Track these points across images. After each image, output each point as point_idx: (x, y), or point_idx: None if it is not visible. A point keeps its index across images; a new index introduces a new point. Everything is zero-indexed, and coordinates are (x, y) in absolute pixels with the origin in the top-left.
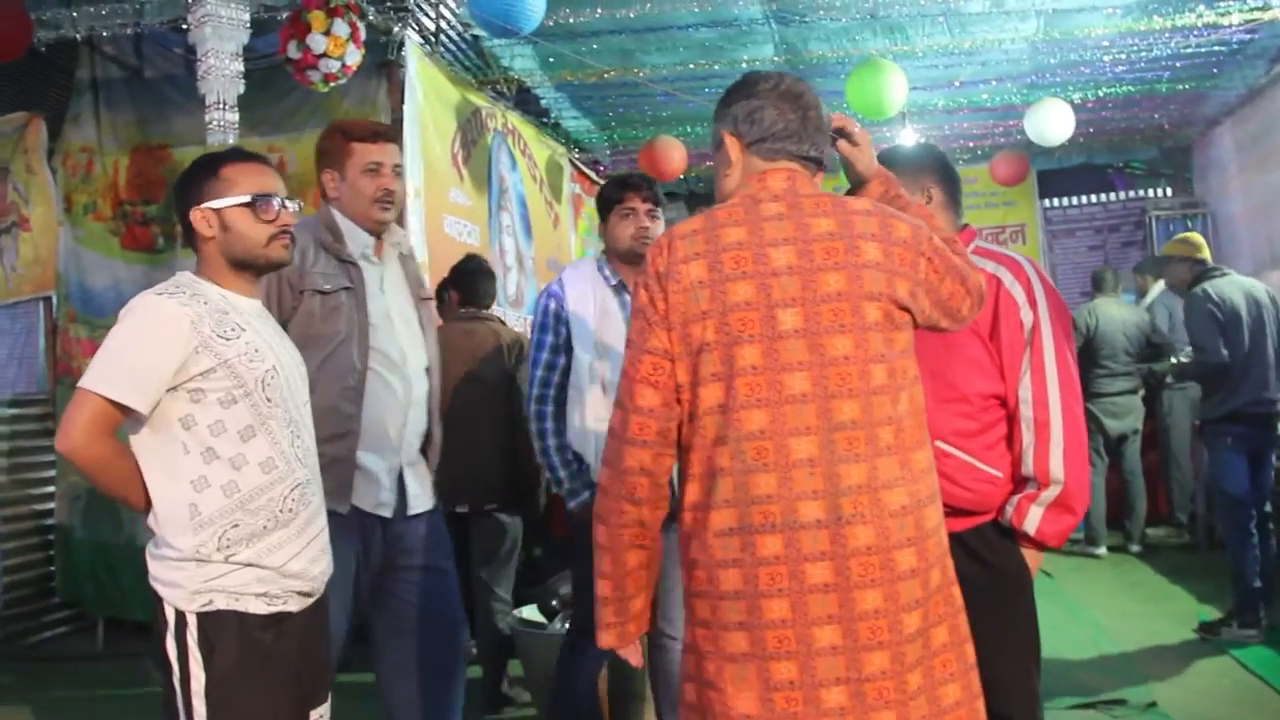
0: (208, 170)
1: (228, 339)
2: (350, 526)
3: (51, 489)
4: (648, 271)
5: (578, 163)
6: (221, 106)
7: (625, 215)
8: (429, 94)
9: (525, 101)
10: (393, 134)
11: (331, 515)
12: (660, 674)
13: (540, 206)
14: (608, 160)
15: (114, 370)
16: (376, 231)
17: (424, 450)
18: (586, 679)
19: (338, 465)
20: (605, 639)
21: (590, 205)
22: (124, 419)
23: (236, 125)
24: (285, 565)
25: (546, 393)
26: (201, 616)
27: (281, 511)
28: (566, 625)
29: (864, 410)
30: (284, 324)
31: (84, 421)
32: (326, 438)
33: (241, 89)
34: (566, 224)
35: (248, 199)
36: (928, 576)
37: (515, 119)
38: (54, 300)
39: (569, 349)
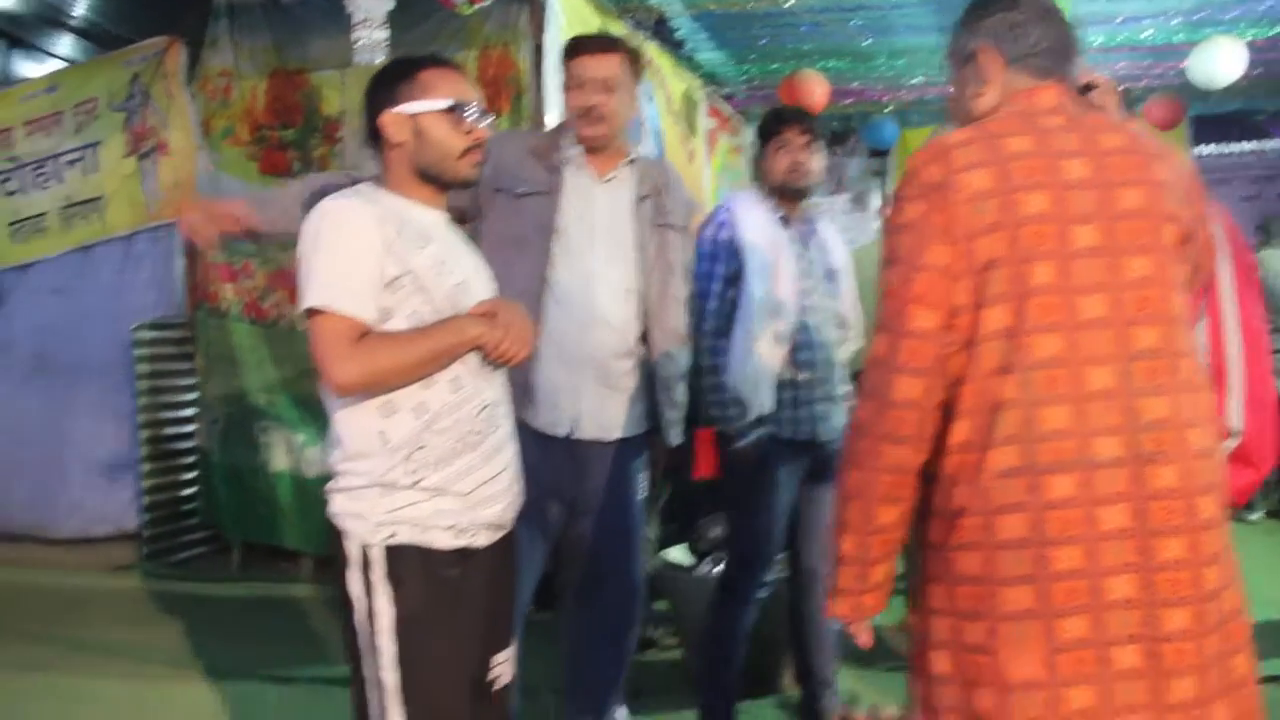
0: (404, 73)
1: (414, 248)
2: (530, 452)
3: (191, 412)
4: (917, 182)
5: (713, 97)
6: (369, 24)
7: (780, 148)
8: (570, 22)
9: (660, 33)
10: (606, 47)
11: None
12: (807, 620)
13: (676, 141)
14: (743, 95)
15: (333, 282)
16: (587, 145)
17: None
18: (740, 625)
19: (514, 383)
20: (838, 607)
21: (725, 142)
22: (364, 329)
23: (385, 43)
24: (474, 492)
25: (723, 325)
26: (387, 550)
27: (470, 433)
28: (716, 569)
29: (1164, 339)
30: (473, 225)
31: (336, 350)
32: None
33: (391, 5)
34: (701, 159)
35: (447, 105)
36: (1223, 529)
37: (653, 49)
38: None
39: (738, 281)
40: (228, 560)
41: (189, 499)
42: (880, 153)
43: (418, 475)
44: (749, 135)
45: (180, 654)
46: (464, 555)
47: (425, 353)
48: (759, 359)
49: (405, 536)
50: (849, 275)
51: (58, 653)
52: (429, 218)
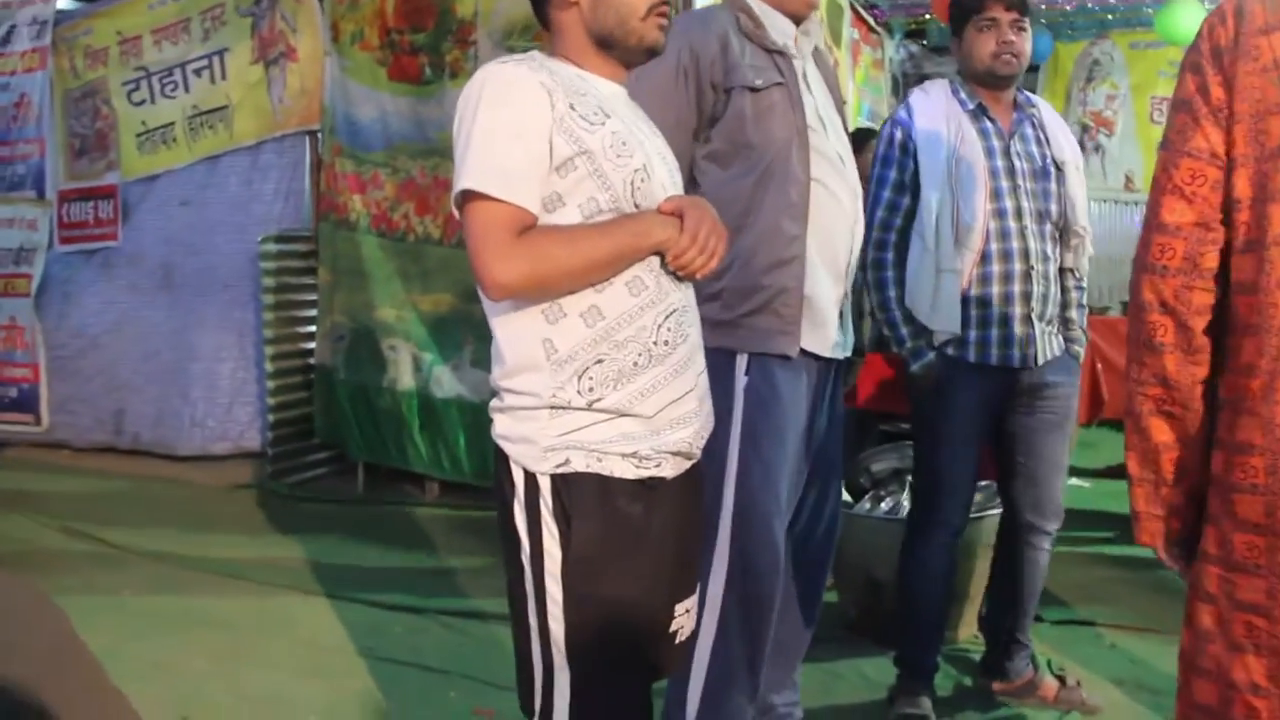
0: None
1: (590, 123)
2: (798, 376)
3: (314, 328)
4: (1199, 49)
5: (857, 6)
6: None
7: (985, 28)
8: None
9: None
10: None
11: (778, 360)
12: (1010, 575)
13: (823, 48)
14: (886, 6)
15: (493, 162)
16: (798, 16)
17: None
18: (927, 569)
19: (784, 298)
20: (1140, 534)
21: (867, 54)
22: (529, 221)
23: None
24: (659, 414)
25: (888, 237)
26: (557, 479)
27: (655, 344)
28: (883, 505)
29: None
30: (709, 130)
31: (496, 245)
32: (767, 266)
33: None
34: (845, 70)
35: None
36: None
37: None
38: (320, 134)
39: (915, 187)
40: (350, 481)
41: (311, 418)
42: (1031, 68)
43: (595, 394)
44: (890, 49)
45: (304, 578)
46: (647, 487)
47: (601, 255)
48: (937, 274)
49: (579, 464)
50: (1077, 171)
51: (182, 573)
52: (607, 89)
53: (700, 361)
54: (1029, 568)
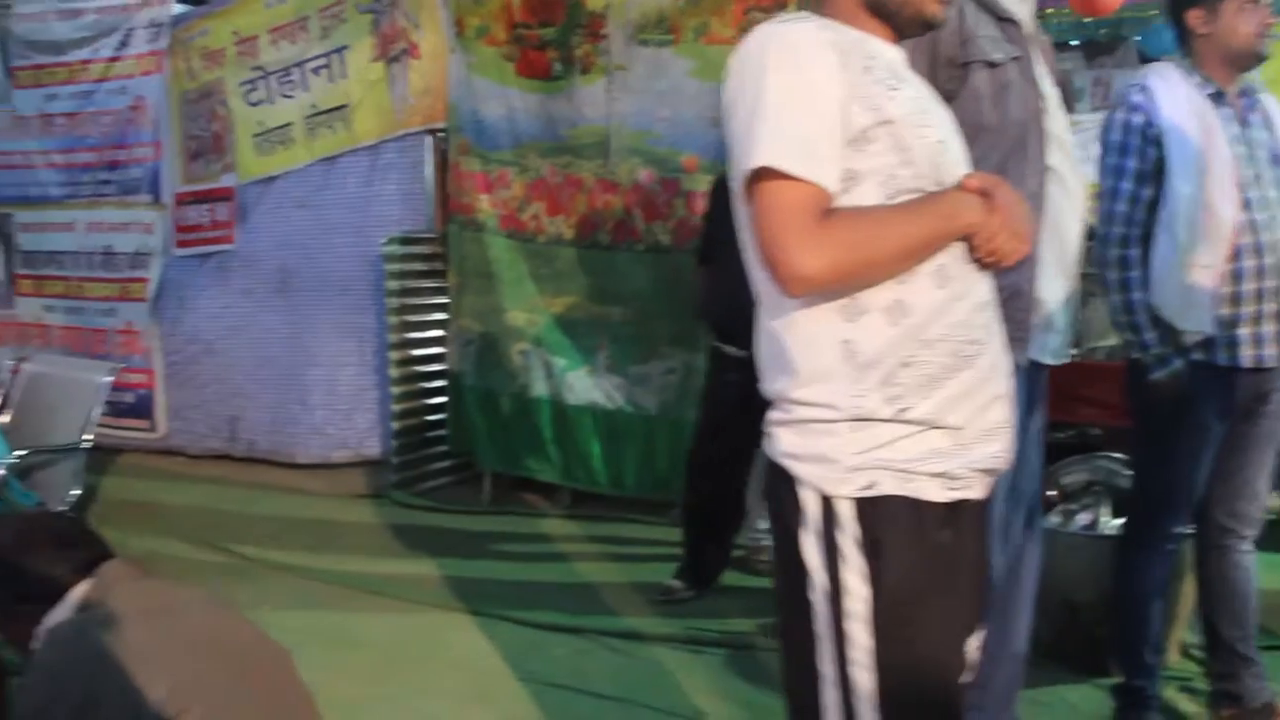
0: None
1: (890, 89)
2: (1018, 385)
3: (441, 333)
4: None
5: None
6: None
7: (1247, 6)
8: None
9: None
10: None
11: None
12: (1218, 584)
13: None
14: None
15: (788, 134)
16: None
17: None
18: (1147, 585)
19: (1017, 302)
20: None
21: None
22: (829, 202)
23: None
24: (970, 425)
25: (1132, 233)
26: (863, 504)
27: (966, 344)
28: (1079, 520)
29: None
30: None
31: (796, 230)
32: None
33: None
34: None
35: None
36: None
37: None
38: (444, 133)
39: (1158, 177)
40: (476, 490)
41: (437, 424)
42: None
43: (903, 403)
44: None
45: (446, 594)
46: (955, 511)
47: (912, 241)
48: (1188, 271)
49: (888, 486)
50: None
51: (320, 588)
52: (892, 54)
53: (1006, 363)
54: (1238, 573)
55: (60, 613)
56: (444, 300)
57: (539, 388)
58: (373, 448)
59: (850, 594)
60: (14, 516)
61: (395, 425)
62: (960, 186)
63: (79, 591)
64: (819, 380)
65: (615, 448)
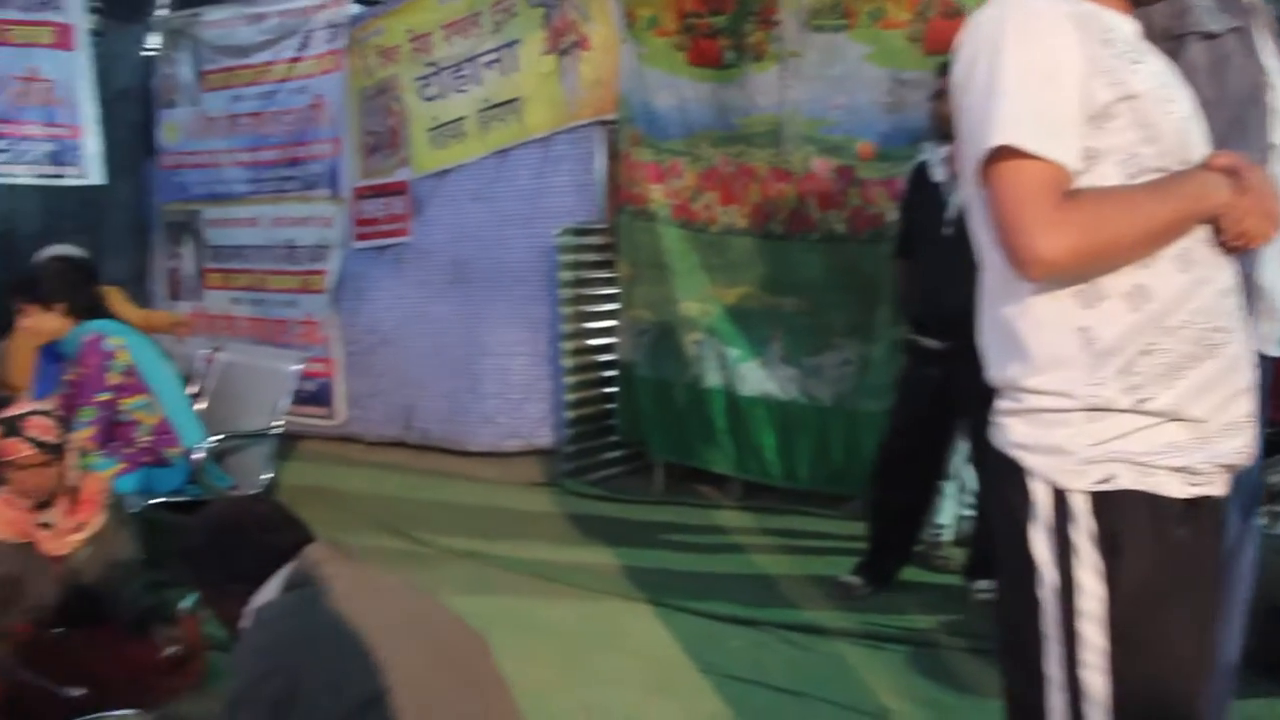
0: None
1: (1131, 62)
2: None
3: (613, 323)
4: None
5: None
6: None
7: None
8: None
9: None
10: None
11: None
12: None
13: None
14: None
15: (1028, 111)
16: None
17: None
18: None
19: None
20: None
21: None
22: (1069, 182)
23: None
24: (1213, 418)
25: None
26: (1098, 499)
27: (1211, 330)
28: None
29: None
30: None
31: (1037, 212)
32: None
33: None
34: None
35: None
36: None
37: None
38: (615, 124)
39: None
40: (648, 480)
41: (609, 414)
42: None
43: (1143, 393)
44: None
45: (623, 584)
46: (1194, 508)
47: (1159, 223)
48: None
49: (1127, 480)
50: None
51: (499, 574)
52: (1129, 26)
53: (1248, 352)
54: None
55: (266, 593)
56: (615, 290)
57: (712, 378)
58: (544, 437)
59: (1084, 592)
60: (223, 500)
61: (568, 415)
62: (1206, 165)
63: (284, 573)
64: (1053, 368)
65: (788, 440)
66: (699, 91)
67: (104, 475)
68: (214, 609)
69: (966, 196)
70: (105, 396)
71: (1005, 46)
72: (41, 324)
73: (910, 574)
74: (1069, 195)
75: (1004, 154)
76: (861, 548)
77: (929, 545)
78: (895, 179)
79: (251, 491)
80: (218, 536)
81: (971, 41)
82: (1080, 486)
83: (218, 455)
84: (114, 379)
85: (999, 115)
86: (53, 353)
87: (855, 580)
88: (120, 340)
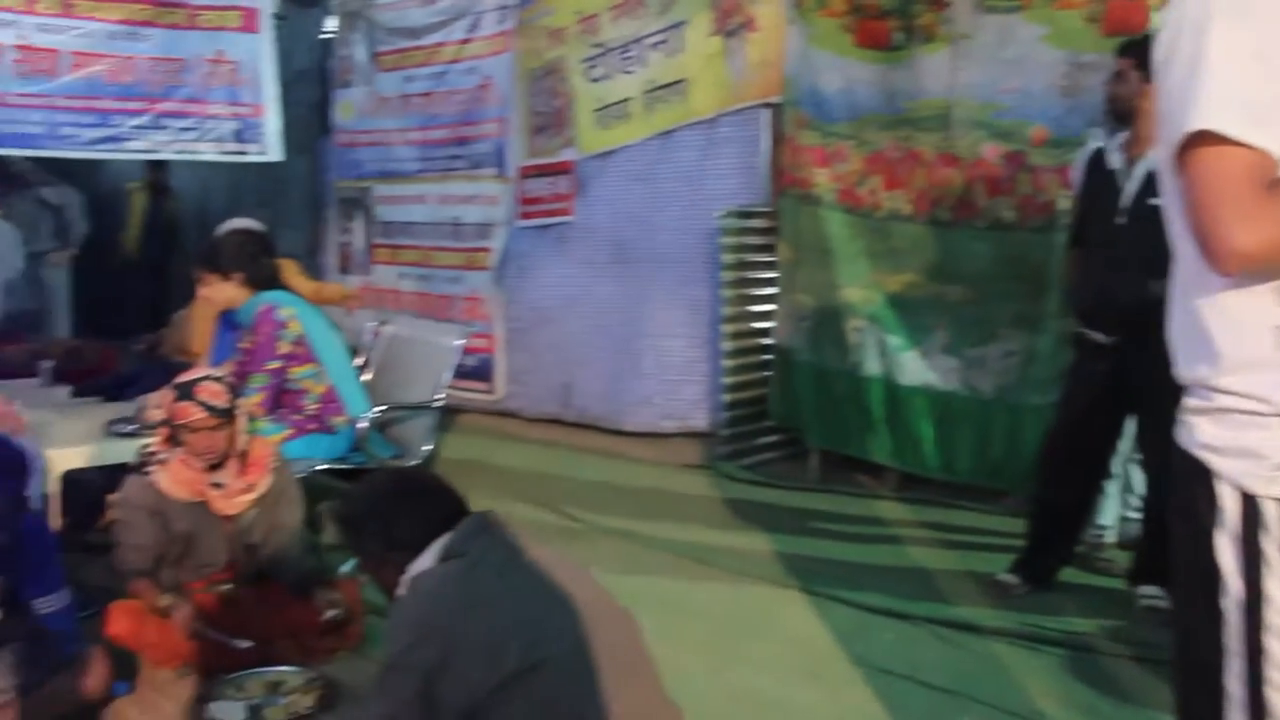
0: None
1: None
2: None
3: (772, 307)
4: None
5: None
6: None
7: None
8: None
9: None
10: None
11: None
12: None
13: None
14: None
15: (1232, 95)
16: None
17: None
18: None
19: None
20: None
21: None
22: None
23: None
24: None
25: None
26: None
27: None
28: None
29: None
30: None
31: (1236, 201)
32: None
33: None
34: None
35: None
36: None
37: None
38: (781, 105)
39: None
40: (802, 467)
41: (765, 399)
42: None
43: None
44: None
45: (775, 569)
46: None
47: None
48: None
49: None
50: None
51: (649, 554)
52: None
53: None
54: None
55: (424, 561)
56: (776, 275)
57: (871, 366)
58: (699, 420)
59: (1273, 605)
60: (385, 471)
61: (725, 398)
62: None
63: (441, 542)
64: (1247, 369)
65: (948, 432)
66: (866, 74)
67: (272, 440)
68: (372, 575)
69: (1162, 184)
70: (275, 364)
71: (1212, 26)
72: (219, 293)
73: (1069, 575)
74: (1272, 186)
75: (1204, 139)
76: (1019, 545)
77: (1090, 546)
78: (1068, 166)
79: (412, 462)
80: (378, 505)
81: (1176, 17)
82: (1274, 494)
83: (381, 425)
84: (284, 348)
85: (1201, 97)
86: (229, 321)
87: (1012, 579)
88: (291, 311)
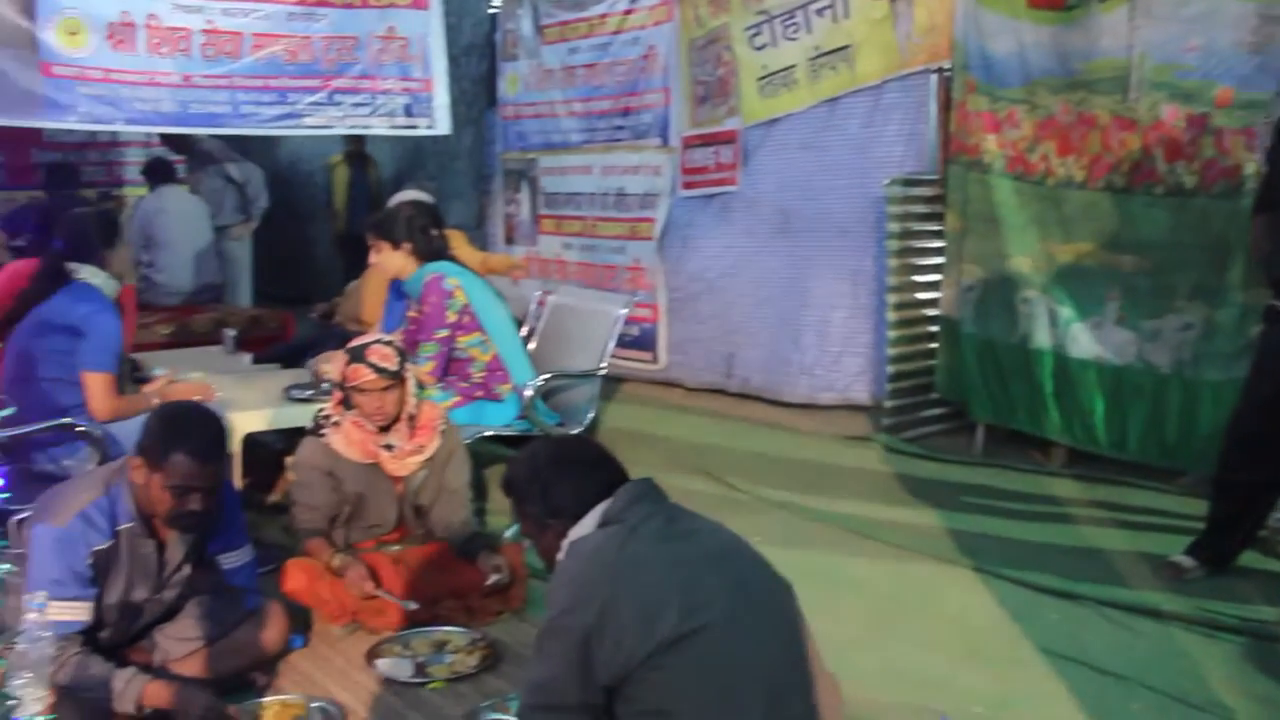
0: None
1: None
2: None
3: (938, 277)
4: None
5: None
6: None
7: None
8: None
9: None
10: None
11: None
12: None
13: None
14: None
15: None
16: None
17: None
18: None
19: None
20: None
21: None
22: None
23: None
24: None
25: None
26: None
27: None
28: None
29: None
30: None
31: None
32: None
33: None
34: None
35: None
36: None
37: None
38: (949, 71)
39: None
40: (968, 440)
41: (930, 371)
42: None
43: None
44: None
45: (938, 544)
46: None
47: None
48: None
49: None
50: None
51: (811, 526)
52: None
53: None
54: None
55: (583, 527)
56: (942, 244)
57: (1041, 338)
58: (860, 392)
59: None
60: (547, 439)
61: (889, 369)
62: None
63: (601, 508)
64: None
65: (1120, 407)
66: (1039, 35)
67: (441, 405)
68: (533, 541)
69: None
70: (444, 333)
71: None
72: (390, 262)
73: (1248, 560)
74: None
75: None
76: (1194, 527)
77: (1272, 530)
78: (1254, 128)
79: (575, 429)
80: (540, 472)
81: None
82: None
83: (545, 393)
84: (451, 317)
85: None
86: (399, 290)
87: (1187, 561)
88: (458, 281)
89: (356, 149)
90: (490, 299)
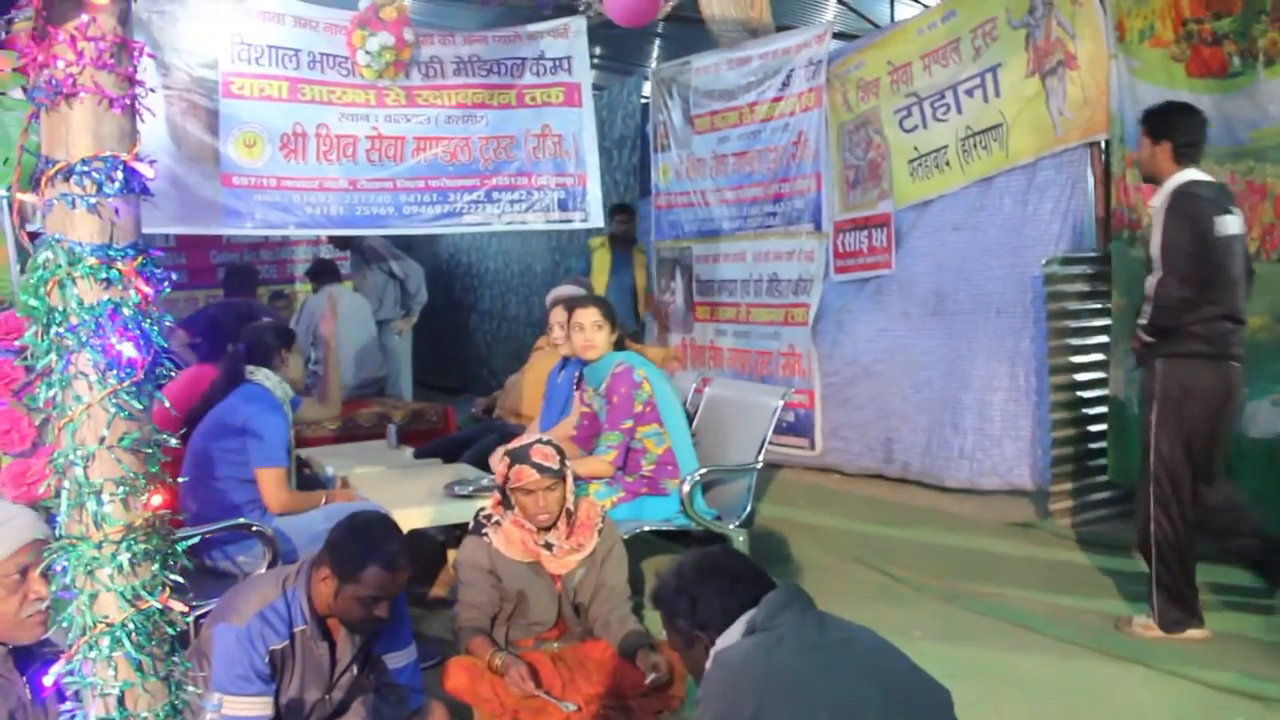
0: None
1: None
2: None
3: (1104, 357)
4: None
5: None
6: None
7: None
8: None
9: None
10: None
11: None
12: None
13: None
14: None
15: None
16: None
17: None
18: None
19: None
20: None
21: None
22: None
23: None
24: None
25: None
26: None
27: None
28: None
29: None
30: None
31: None
32: None
33: None
34: None
35: None
36: None
37: None
38: (1106, 145)
39: None
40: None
41: (1095, 454)
42: None
43: None
44: None
45: (1107, 639)
46: None
47: None
48: None
49: None
50: None
51: (971, 618)
52: None
53: None
54: None
55: (729, 637)
56: (1105, 323)
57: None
58: (1021, 476)
59: None
60: (697, 553)
61: (1053, 453)
62: None
63: (746, 617)
64: None
65: None
66: (1201, 104)
67: (600, 502)
68: (681, 653)
69: None
70: (629, 424)
71: None
72: (599, 340)
73: None
74: None
75: None
76: None
77: None
78: None
79: (733, 524)
80: (687, 585)
81: None
82: None
83: (703, 486)
84: (637, 408)
85: None
86: (555, 383)
87: None
88: (645, 373)
89: (622, 232)
90: (670, 392)
